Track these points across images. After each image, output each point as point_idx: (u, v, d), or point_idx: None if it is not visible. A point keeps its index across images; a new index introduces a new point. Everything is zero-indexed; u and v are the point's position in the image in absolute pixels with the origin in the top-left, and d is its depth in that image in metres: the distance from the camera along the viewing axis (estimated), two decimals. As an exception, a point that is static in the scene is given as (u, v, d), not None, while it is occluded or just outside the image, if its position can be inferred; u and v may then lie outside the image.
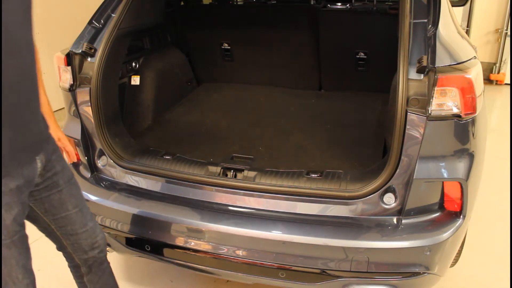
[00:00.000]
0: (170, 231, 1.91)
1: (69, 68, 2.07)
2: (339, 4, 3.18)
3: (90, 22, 2.19)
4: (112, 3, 2.23)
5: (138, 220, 1.94)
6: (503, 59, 5.98)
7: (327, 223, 1.79)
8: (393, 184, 1.72)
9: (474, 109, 1.66)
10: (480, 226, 2.80)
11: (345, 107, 2.95)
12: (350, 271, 1.74)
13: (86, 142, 2.14)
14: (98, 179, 2.16)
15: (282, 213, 1.86)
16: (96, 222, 1.70)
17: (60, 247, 1.73)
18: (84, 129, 2.14)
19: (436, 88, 1.60)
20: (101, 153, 2.15)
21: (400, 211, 1.75)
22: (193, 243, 1.88)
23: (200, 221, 1.86)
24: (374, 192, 1.75)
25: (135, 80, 2.68)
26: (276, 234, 1.78)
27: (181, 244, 1.90)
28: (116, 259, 2.52)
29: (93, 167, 2.18)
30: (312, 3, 3.31)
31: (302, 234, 1.75)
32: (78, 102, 2.11)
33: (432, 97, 1.60)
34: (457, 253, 1.99)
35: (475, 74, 1.68)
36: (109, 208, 2.00)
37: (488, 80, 6.04)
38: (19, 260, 1.36)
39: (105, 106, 2.11)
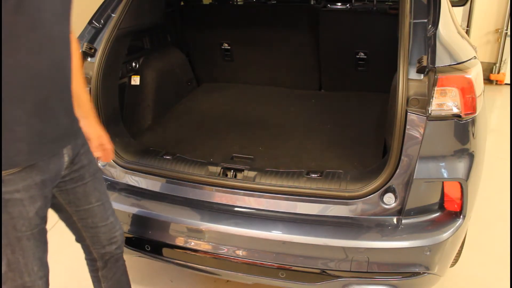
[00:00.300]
0: (170, 231, 1.91)
1: None
2: (339, 4, 3.18)
3: (90, 22, 2.19)
4: (112, 3, 2.23)
5: (138, 220, 1.94)
6: (503, 59, 5.97)
7: (327, 223, 1.79)
8: (393, 184, 1.72)
9: (474, 109, 1.66)
10: (480, 226, 2.80)
11: (345, 107, 2.95)
12: (350, 271, 1.74)
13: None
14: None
15: (282, 213, 1.85)
16: (117, 218, 1.74)
17: (79, 239, 1.75)
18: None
19: (436, 88, 1.60)
20: (101, 153, 2.14)
21: (400, 211, 1.75)
22: (193, 243, 1.88)
23: (200, 221, 1.86)
24: (374, 192, 1.75)
25: (135, 80, 2.68)
26: (276, 234, 1.78)
27: (181, 244, 1.90)
28: (116, 259, 2.52)
29: (93, 167, 2.18)
30: (312, 3, 3.31)
31: (302, 234, 1.75)
32: (78, 102, 2.11)
33: (432, 97, 1.60)
34: (457, 253, 1.99)
35: (475, 74, 1.68)
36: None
37: (488, 80, 6.04)
38: (36, 252, 1.41)
39: (105, 106, 2.11)
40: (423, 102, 1.62)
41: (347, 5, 3.15)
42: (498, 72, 6.06)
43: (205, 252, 1.88)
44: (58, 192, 1.53)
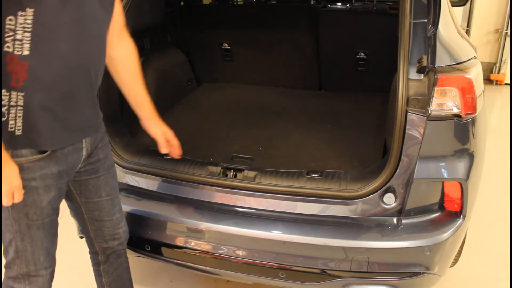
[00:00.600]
0: (170, 231, 1.91)
1: None
2: (339, 4, 3.18)
3: (90, 22, 2.19)
4: (112, 3, 2.23)
5: (138, 220, 1.94)
6: (503, 59, 5.98)
7: (327, 223, 1.79)
8: (393, 184, 1.72)
9: (474, 109, 1.66)
10: (480, 226, 2.80)
11: (345, 107, 2.95)
12: (350, 271, 1.74)
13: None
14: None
15: (282, 213, 1.86)
16: (123, 216, 1.78)
17: (83, 230, 1.77)
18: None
19: (436, 88, 1.60)
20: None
21: (400, 211, 1.75)
22: (193, 243, 1.88)
23: (200, 221, 1.86)
24: (374, 192, 1.74)
25: None
26: (276, 234, 1.78)
27: (181, 244, 1.91)
28: (116, 259, 2.52)
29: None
30: (312, 3, 3.31)
31: (302, 234, 1.75)
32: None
33: (432, 97, 1.60)
34: (457, 253, 1.99)
35: (475, 74, 1.68)
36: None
37: (488, 80, 6.04)
38: (44, 242, 1.46)
39: (105, 106, 2.10)
40: (423, 102, 1.62)
41: (347, 5, 3.15)
42: (498, 72, 6.06)
43: (205, 252, 1.88)
44: (72, 182, 1.58)
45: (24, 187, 1.34)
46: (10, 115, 1.29)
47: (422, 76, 1.65)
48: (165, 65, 2.97)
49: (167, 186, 2.02)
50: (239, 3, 3.71)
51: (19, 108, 1.29)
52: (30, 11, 1.23)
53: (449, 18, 1.91)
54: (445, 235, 1.69)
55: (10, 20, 1.23)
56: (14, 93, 1.27)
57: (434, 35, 1.71)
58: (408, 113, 1.64)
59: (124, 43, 1.71)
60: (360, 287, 1.77)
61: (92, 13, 1.39)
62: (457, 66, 1.67)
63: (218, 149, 2.33)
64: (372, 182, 1.75)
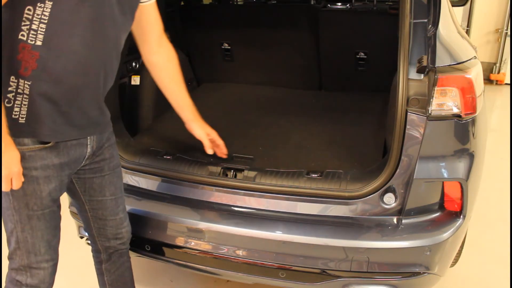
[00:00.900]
0: (170, 231, 1.91)
1: None
2: (339, 4, 3.17)
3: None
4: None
5: (138, 220, 1.94)
6: (503, 59, 5.98)
7: (327, 223, 1.79)
8: (393, 184, 1.72)
9: (474, 109, 1.66)
10: (480, 226, 2.80)
11: (345, 107, 2.95)
12: (350, 271, 1.74)
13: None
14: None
15: (282, 213, 1.86)
16: (127, 216, 1.78)
17: (86, 228, 1.77)
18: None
19: (436, 88, 1.60)
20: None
21: (400, 211, 1.75)
22: (193, 243, 1.88)
23: (200, 221, 1.86)
24: (374, 192, 1.74)
25: (135, 80, 2.68)
26: (276, 234, 1.78)
27: (181, 244, 1.91)
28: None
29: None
30: (312, 3, 3.31)
31: (302, 234, 1.75)
32: (78, 102, 2.11)
33: (432, 97, 1.60)
34: (457, 253, 1.99)
35: (475, 74, 1.68)
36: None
37: (488, 80, 6.05)
38: (45, 234, 1.46)
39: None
40: (423, 102, 1.62)
41: (347, 5, 3.15)
42: (498, 72, 6.06)
43: (206, 252, 1.87)
44: (76, 179, 1.59)
45: (25, 176, 1.34)
46: (16, 102, 1.31)
47: (422, 76, 1.65)
48: None
49: (167, 186, 2.02)
50: (239, 3, 3.71)
51: (25, 96, 1.31)
52: (49, 4, 1.26)
53: (449, 18, 1.91)
54: (445, 235, 1.69)
55: (29, 10, 1.26)
56: (22, 81, 1.30)
57: (434, 35, 1.71)
58: (408, 113, 1.64)
59: (163, 49, 1.75)
60: (360, 287, 1.77)
61: (110, 15, 1.40)
62: (457, 66, 1.67)
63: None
64: (372, 182, 1.75)
